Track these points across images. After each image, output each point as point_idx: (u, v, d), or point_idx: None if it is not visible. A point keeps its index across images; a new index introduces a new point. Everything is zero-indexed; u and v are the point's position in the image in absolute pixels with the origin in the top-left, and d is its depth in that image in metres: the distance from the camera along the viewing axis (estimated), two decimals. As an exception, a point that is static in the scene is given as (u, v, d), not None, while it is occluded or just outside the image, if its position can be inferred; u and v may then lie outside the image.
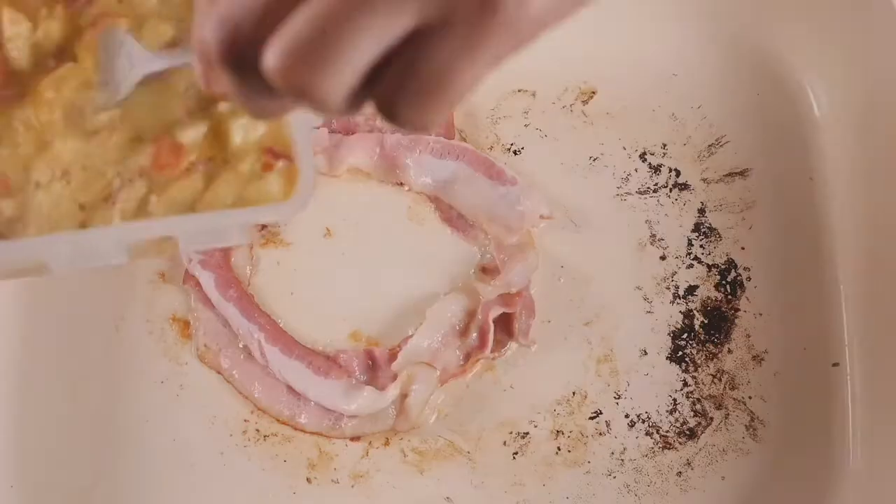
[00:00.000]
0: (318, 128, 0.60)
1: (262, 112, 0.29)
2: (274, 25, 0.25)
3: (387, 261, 0.60)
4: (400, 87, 0.25)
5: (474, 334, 0.58)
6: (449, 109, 0.26)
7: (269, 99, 0.27)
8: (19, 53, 0.43)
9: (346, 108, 0.27)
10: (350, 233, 0.61)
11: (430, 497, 0.56)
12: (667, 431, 0.58)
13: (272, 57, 0.25)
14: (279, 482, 0.56)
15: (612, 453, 0.57)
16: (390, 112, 0.26)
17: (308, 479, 0.56)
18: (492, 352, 0.58)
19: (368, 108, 0.27)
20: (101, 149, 0.42)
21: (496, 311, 0.57)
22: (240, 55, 0.26)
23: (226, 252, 0.59)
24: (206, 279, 0.58)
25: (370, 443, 0.57)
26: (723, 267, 0.61)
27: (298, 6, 0.25)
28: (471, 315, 0.58)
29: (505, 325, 0.58)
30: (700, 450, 0.58)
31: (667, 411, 0.58)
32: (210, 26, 0.26)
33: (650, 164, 0.63)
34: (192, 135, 0.42)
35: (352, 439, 0.57)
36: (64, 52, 0.43)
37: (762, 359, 0.59)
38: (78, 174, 0.42)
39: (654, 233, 0.62)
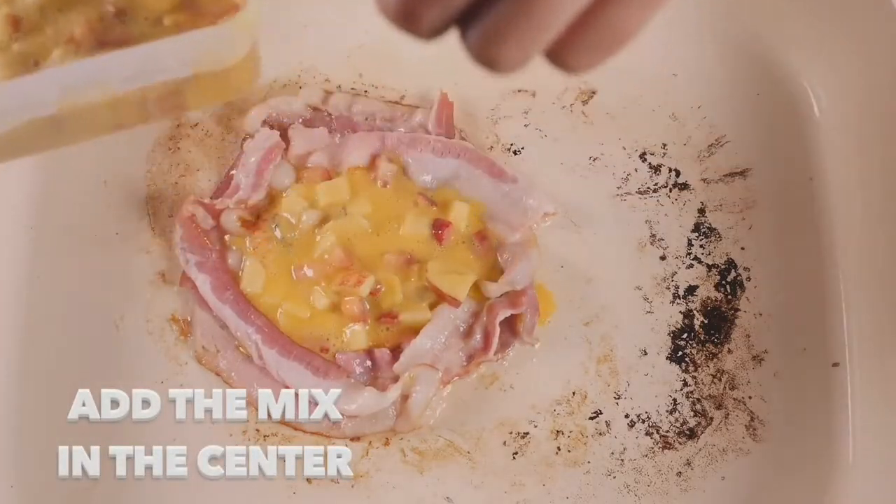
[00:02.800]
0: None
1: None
2: None
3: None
4: (574, 40, 0.28)
5: (478, 336, 0.58)
6: (614, 55, 0.29)
7: None
8: None
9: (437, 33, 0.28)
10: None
11: (430, 497, 0.56)
12: (667, 431, 0.58)
13: None
14: (279, 482, 0.56)
15: (612, 453, 0.57)
16: (562, 60, 0.29)
17: (308, 479, 0.56)
18: (496, 354, 0.58)
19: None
20: None
21: (504, 314, 0.57)
22: None
23: (222, 254, 0.59)
24: (202, 282, 0.58)
25: (370, 443, 0.57)
26: (723, 267, 0.61)
27: None
28: (475, 316, 0.58)
29: (509, 324, 0.58)
30: (700, 450, 0.58)
31: (667, 411, 0.58)
32: None
33: (650, 164, 0.63)
34: None
35: (352, 439, 0.57)
36: None
37: (762, 359, 0.59)
38: None
39: (654, 233, 0.62)
